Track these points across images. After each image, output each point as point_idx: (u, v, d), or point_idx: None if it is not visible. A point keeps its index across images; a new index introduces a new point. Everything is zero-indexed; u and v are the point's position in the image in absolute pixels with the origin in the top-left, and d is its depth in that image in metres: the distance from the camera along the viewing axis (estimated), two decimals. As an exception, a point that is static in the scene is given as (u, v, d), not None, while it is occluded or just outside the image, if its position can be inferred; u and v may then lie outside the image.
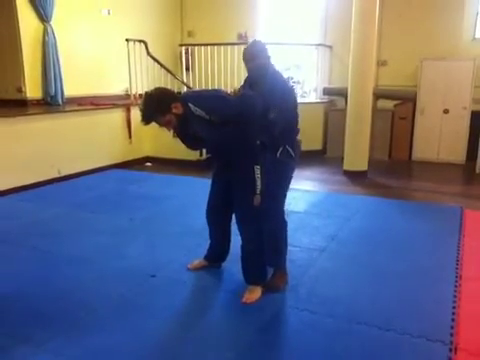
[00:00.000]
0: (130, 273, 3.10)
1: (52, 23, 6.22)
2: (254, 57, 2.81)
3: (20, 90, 6.22)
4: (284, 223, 2.96)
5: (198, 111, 2.47)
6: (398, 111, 7.36)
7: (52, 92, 6.30)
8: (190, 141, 2.77)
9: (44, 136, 5.51)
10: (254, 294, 2.70)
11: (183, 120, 2.54)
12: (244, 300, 2.65)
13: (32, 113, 5.68)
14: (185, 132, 2.66)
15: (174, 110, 2.49)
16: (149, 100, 2.51)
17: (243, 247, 2.76)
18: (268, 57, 2.84)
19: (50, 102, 6.33)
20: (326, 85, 7.85)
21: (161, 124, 2.55)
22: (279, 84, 2.81)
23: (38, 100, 6.29)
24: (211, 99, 2.63)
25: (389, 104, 7.44)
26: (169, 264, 3.28)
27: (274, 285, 2.87)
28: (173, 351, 2.29)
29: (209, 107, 2.50)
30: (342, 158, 6.25)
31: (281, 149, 2.80)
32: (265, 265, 2.77)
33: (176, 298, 2.81)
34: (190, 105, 2.48)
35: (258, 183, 2.59)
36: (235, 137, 2.55)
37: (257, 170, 2.59)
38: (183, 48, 7.87)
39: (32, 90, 6.24)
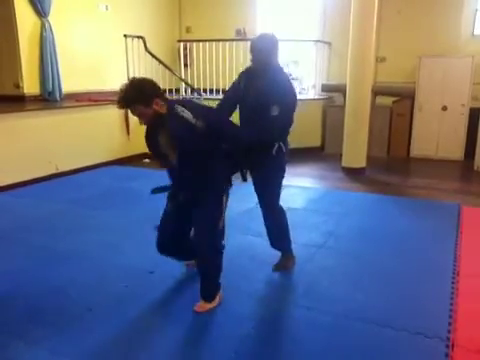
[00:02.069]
0: (128, 270, 3.10)
1: (49, 18, 6.19)
2: (259, 50, 2.75)
3: (17, 86, 6.20)
4: (284, 211, 3.10)
5: (185, 113, 2.36)
6: (396, 108, 7.35)
7: (50, 88, 6.28)
8: (153, 149, 2.54)
9: (42, 132, 5.49)
10: (206, 306, 2.62)
11: (159, 121, 2.38)
12: (196, 309, 2.60)
13: (30, 109, 5.67)
14: (154, 135, 2.46)
15: (155, 106, 2.34)
16: (134, 86, 2.35)
17: (199, 266, 2.70)
18: (274, 52, 2.77)
19: (48, 98, 6.30)
20: (324, 81, 7.84)
21: (135, 113, 2.38)
22: (280, 81, 2.78)
23: (36, 96, 6.27)
24: (203, 107, 2.60)
25: (387, 101, 7.43)
26: (167, 261, 3.27)
27: (283, 265, 3.14)
28: (169, 347, 2.29)
29: (199, 111, 2.42)
30: (341, 155, 6.24)
31: (276, 146, 2.79)
32: (218, 285, 2.67)
33: (174, 294, 2.82)
34: (176, 106, 2.38)
35: (224, 210, 2.58)
36: (210, 151, 2.45)
37: (224, 199, 2.58)
38: (181, 44, 7.85)
39: (30, 86, 6.22)
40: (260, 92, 2.74)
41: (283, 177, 3.00)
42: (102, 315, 2.55)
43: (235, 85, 2.92)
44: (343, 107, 6.27)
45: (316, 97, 7.88)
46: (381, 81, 7.52)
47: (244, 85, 2.84)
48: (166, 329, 2.45)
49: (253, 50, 2.76)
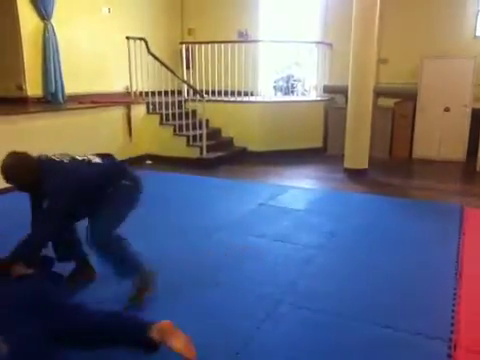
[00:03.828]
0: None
1: (52, 21, 6.23)
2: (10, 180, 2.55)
3: (21, 88, 6.22)
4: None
5: None
6: (399, 109, 7.35)
7: (52, 90, 6.30)
8: None
9: (45, 134, 5.49)
10: None
11: None
12: None
13: (33, 111, 5.69)
14: None
15: None
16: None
17: None
18: (23, 174, 2.54)
19: (51, 100, 6.33)
20: (326, 83, 7.85)
21: None
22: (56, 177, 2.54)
23: (39, 98, 6.29)
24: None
25: (389, 102, 7.43)
26: (170, 261, 3.29)
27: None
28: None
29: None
30: (343, 156, 6.24)
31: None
32: None
33: (177, 295, 2.82)
34: None
35: None
36: None
37: None
38: (183, 46, 7.86)
39: (33, 88, 6.24)
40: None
41: None
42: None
43: None
44: (345, 108, 6.28)
45: (318, 98, 7.89)
46: (383, 82, 7.52)
47: None
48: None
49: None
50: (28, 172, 2.54)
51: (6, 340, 2.02)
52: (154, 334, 2.03)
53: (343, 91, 6.75)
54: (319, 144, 7.70)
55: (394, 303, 2.73)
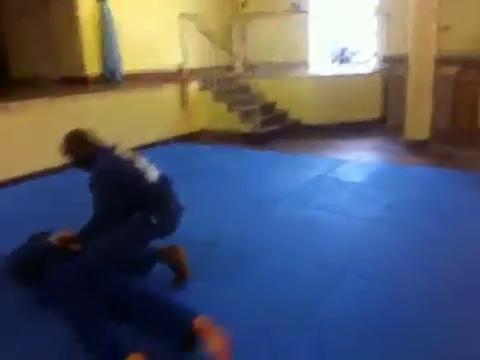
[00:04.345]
0: (192, 242, 3.15)
1: (108, 2, 6.36)
2: (63, 153, 2.70)
3: (81, 68, 6.46)
4: None
5: None
6: (462, 77, 6.96)
7: (111, 69, 6.48)
8: None
9: (104, 113, 5.71)
10: None
11: None
12: None
13: (92, 90, 5.91)
14: None
15: None
16: None
17: None
18: (74, 148, 2.68)
19: (109, 79, 6.52)
20: (385, 52, 7.56)
21: None
22: (94, 168, 2.62)
23: (98, 77, 6.51)
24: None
25: (452, 70, 7.05)
26: (229, 232, 3.37)
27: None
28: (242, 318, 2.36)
29: None
30: (402, 127, 6.04)
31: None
32: None
33: (240, 264, 2.88)
34: None
35: None
36: None
37: None
38: (236, 20, 7.80)
39: (92, 68, 6.46)
40: None
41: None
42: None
43: None
44: (405, 77, 6.03)
45: (376, 68, 7.63)
46: (444, 49, 7.13)
47: None
48: (234, 298, 2.53)
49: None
50: (84, 148, 2.65)
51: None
52: (196, 325, 1.94)
53: (403, 60, 6.48)
54: (377, 115, 7.48)
55: (456, 279, 2.65)
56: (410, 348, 2.06)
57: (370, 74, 7.49)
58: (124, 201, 2.57)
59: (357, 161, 5.34)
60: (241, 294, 2.56)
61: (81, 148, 2.65)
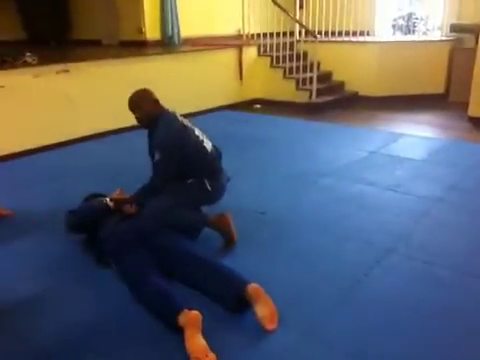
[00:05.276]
0: (240, 210, 3.13)
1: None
2: (131, 109, 2.76)
3: (140, 31, 6.52)
4: None
5: None
6: None
7: (169, 33, 6.51)
8: None
9: (161, 77, 5.72)
10: None
11: None
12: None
13: (151, 53, 5.97)
14: None
15: None
16: None
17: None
18: (141, 104, 2.73)
19: (168, 43, 6.55)
20: (454, 21, 7.05)
21: None
22: (160, 127, 2.67)
23: (157, 41, 6.56)
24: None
25: None
26: (276, 203, 3.35)
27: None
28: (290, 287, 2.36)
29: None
30: (467, 103, 5.68)
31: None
32: None
33: (286, 236, 2.87)
34: None
35: None
36: None
37: None
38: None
39: (151, 32, 6.51)
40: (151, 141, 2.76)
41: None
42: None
43: None
44: (474, 49, 5.62)
45: (443, 38, 7.16)
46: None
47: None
48: (279, 269, 2.54)
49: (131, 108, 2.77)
50: (149, 105, 2.72)
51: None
52: (248, 291, 2.02)
53: (474, 31, 6.03)
54: (441, 90, 7.06)
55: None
56: (458, 338, 1.97)
57: (438, 42, 7.04)
58: (183, 165, 2.64)
59: (416, 136, 5.11)
60: (284, 265, 2.56)
61: (148, 106, 2.72)
